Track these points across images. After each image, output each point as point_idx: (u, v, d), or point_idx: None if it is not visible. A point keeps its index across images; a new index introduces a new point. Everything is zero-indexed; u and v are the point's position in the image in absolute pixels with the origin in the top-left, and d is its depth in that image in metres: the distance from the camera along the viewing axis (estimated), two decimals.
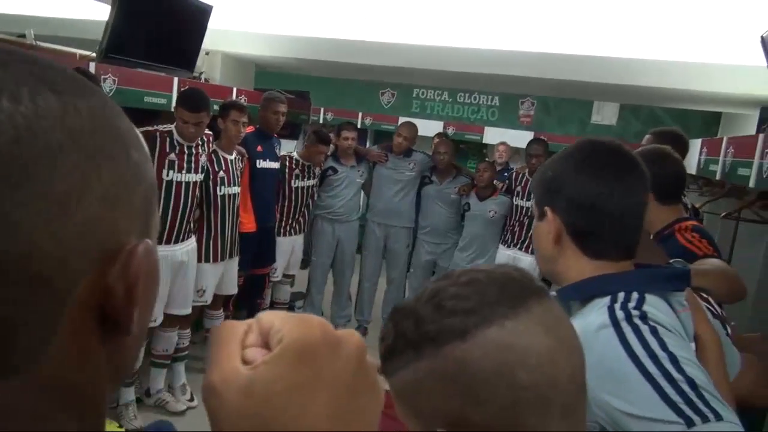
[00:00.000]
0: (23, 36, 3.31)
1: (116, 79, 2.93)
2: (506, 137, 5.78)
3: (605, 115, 6.50)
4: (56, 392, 0.31)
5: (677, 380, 0.80)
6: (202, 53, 4.31)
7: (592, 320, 0.90)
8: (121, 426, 2.20)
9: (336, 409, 0.31)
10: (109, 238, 0.31)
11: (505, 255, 4.18)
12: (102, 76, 2.83)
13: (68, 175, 0.29)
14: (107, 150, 0.32)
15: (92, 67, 2.80)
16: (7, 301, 0.27)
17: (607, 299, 0.92)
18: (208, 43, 4.10)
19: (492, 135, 6.41)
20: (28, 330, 0.29)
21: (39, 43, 3.31)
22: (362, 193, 4.66)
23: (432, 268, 4.55)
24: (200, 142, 3.05)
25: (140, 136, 0.36)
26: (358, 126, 6.57)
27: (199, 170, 3.05)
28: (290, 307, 4.50)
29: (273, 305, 4.27)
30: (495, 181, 4.29)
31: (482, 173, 4.18)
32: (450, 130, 6.46)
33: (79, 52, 3.43)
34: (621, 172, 0.95)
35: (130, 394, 3.07)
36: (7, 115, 0.28)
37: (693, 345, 0.98)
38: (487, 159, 5.57)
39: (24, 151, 0.28)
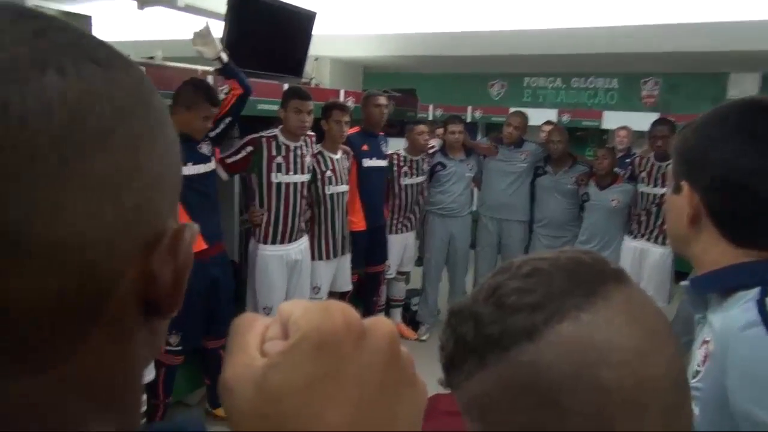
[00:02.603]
0: (152, 58, 3.62)
1: (231, 89, 3.09)
2: (628, 121, 5.37)
3: (744, 88, 5.80)
4: (93, 388, 0.29)
5: None
6: (311, 59, 4.47)
7: (735, 316, 0.75)
8: None
9: (363, 409, 0.26)
10: (154, 221, 0.30)
11: (631, 247, 3.87)
12: (220, 88, 3.00)
13: (119, 156, 0.28)
14: (150, 129, 0.30)
15: (210, 80, 2.97)
16: (55, 292, 0.26)
17: (755, 292, 0.76)
18: (316, 49, 4.23)
19: (612, 120, 5.99)
20: (70, 321, 0.27)
21: (166, 63, 3.60)
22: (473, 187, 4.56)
23: None
24: (304, 143, 3.13)
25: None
26: (468, 120, 6.46)
27: (306, 170, 3.13)
28: (406, 305, 4.51)
29: (389, 303, 4.31)
30: (616, 169, 3.99)
31: (601, 160, 3.90)
32: (565, 118, 6.13)
33: (201, 68, 3.69)
34: None
35: None
36: (58, 92, 0.26)
37: None
38: (607, 146, 5.21)
39: (78, 132, 0.26)
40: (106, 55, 0.30)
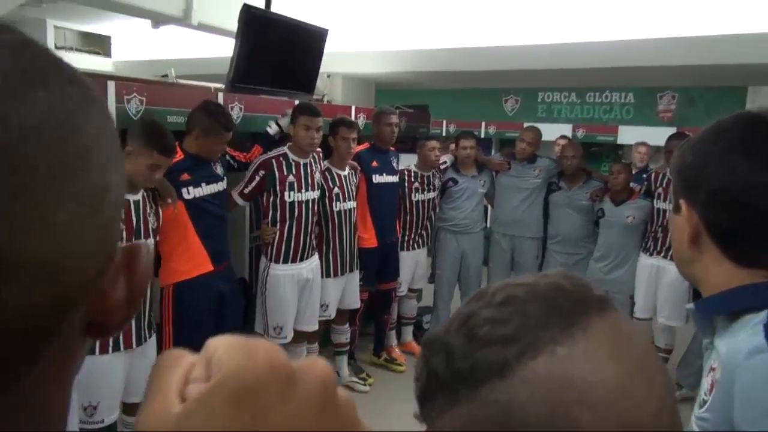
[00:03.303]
0: (165, 76, 3.66)
1: (242, 106, 3.11)
2: (644, 136, 5.28)
3: (764, 101, 5.70)
4: (37, 411, 0.29)
5: None
6: (323, 76, 4.48)
7: (742, 341, 0.71)
8: None
9: None
10: (114, 239, 0.31)
11: (647, 264, 3.79)
12: (229, 105, 3.02)
13: (96, 174, 0.28)
14: (115, 148, 0.31)
15: (220, 98, 2.99)
16: (29, 308, 0.25)
17: (763, 315, 0.72)
18: (328, 66, 4.24)
19: (628, 135, 5.91)
20: (33, 339, 0.27)
21: (179, 80, 3.64)
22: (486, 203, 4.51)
23: None
24: (312, 159, 3.13)
25: None
26: (482, 135, 6.43)
27: (316, 187, 3.13)
28: (418, 322, 4.46)
29: (400, 320, 4.26)
30: (632, 184, 3.92)
31: (617, 175, 3.84)
32: (580, 133, 6.07)
33: (213, 85, 3.72)
34: None
35: None
36: (49, 107, 0.26)
37: None
38: (623, 161, 5.14)
39: (65, 149, 0.26)
40: (76, 74, 0.30)
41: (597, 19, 4.43)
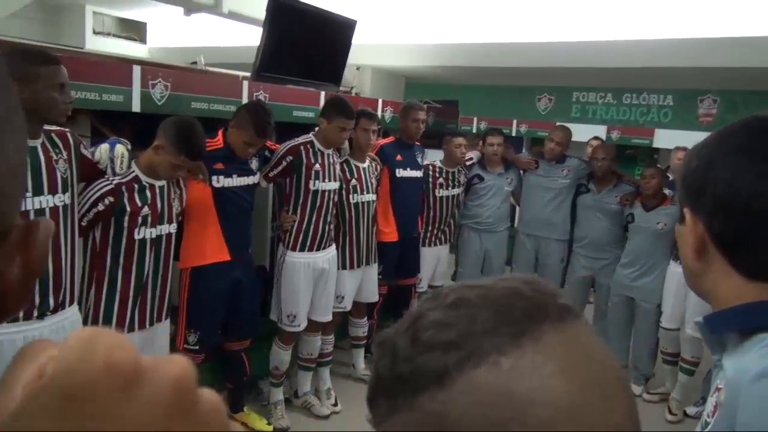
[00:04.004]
0: (195, 63, 3.69)
1: (267, 95, 3.11)
2: (683, 140, 5.06)
3: None
4: None
5: None
6: (352, 68, 4.46)
7: (749, 362, 0.65)
8: (269, 423, 2.23)
9: None
10: (8, 215, 0.29)
11: (677, 273, 3.65)
12: (254, 93, 3.02)
13: None
14: (9, 115, 0.29)
15: (245, 86, 2.99)
16: None
17: None
18: (358, 58, 4.22)
19: (665, 139, 5.72)
20: None
21: (208, 67, 3.67)
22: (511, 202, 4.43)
23: (589, 284, 4.16)
24: (332, 151, 3.11)
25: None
26: (512, 134, 6.32)
27: (337, 178, 3.11)
28: None
29: None
30: (665, 190, 3.79)
31: (649, 180, 3.71)
32: (614, 135, 5.91)
33: (241, 74, 3.74)
34: None
35: (279, 394, 3.20)
36: None
37: None
38: (658, 165, 4.97)
39: None
40: None
41: (637, 17, 4.28)
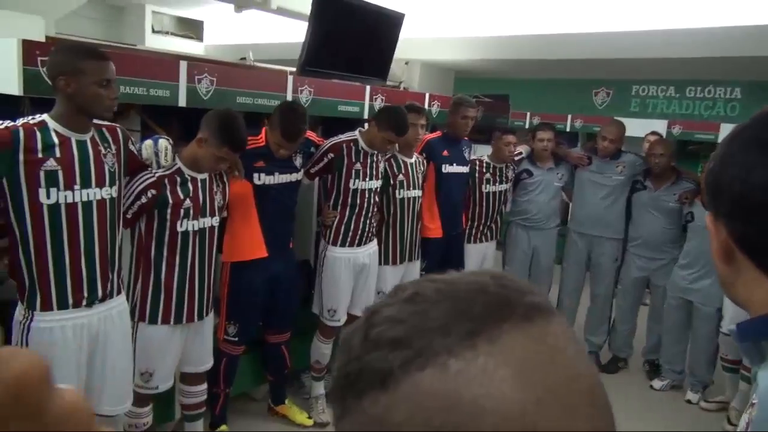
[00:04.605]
0: (244, 59, 3.76)
1: (312, 90, 3.12)
2: None
3: None
4: None
5: None
6: (401, 62, 4.43)
7: None
8: (310, 417, 2.25)
9: None
10: None
11: None
12: (299, 88, 3.04)
13: None
14: None
15: (289, 81, 3.01)
16: None
17: None
18: (406, 52, 4.18)
19: None
20: None
21: (256, 63, 3.72)
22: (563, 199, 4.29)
23: (644, 286, 3.98)
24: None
25: None
26: (567, 129, 6.13)
27: (380, 176, 3.10)
28: None
29: None
30: None
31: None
32: (676, 130, 5.63)
33: (288, 69, 3.77)
34: None
35: (320, 388, 3.22)
36: None
37: None
38: None
39: None
40: None
41: (704, 3, 4.04)
